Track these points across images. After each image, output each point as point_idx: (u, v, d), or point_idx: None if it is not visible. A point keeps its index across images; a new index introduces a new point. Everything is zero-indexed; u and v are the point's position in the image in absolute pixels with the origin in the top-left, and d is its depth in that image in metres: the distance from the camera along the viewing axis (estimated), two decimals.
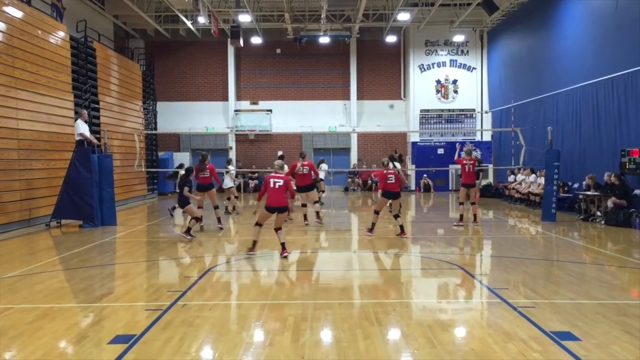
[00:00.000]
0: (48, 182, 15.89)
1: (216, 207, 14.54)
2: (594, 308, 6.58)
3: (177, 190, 12.99)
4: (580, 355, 5.00)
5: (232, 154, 29.27)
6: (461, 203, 14.80)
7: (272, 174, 10.31)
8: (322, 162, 21.76)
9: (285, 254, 10.10)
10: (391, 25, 26.57)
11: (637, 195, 14.42)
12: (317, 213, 14.92)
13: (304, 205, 14.96)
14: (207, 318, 6.32)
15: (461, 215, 14.63)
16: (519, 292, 7.43)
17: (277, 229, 10.30)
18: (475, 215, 14.96)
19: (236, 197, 18.46)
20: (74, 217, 15.02)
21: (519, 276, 8.48)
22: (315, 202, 14.83)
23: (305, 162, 14.50)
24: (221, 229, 14.17)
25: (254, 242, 10.45)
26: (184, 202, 12.53)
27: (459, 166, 15.37)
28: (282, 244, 10.21)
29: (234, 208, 18.01)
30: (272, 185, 10.10)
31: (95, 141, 15.67)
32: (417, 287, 8.38)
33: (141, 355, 5.13)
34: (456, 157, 15.95)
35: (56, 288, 7.98)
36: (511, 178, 22.32)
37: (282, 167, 10.66)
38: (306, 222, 14.65)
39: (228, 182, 18.10)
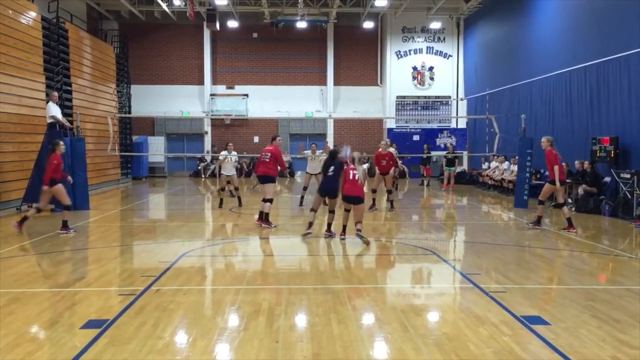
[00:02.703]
0: (19, 165, 15.61)
1: (66, 208, 11.27)
2: (563, 293, 6.71)
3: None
4: (549, 339, 5.11)
5: (208, 139, 29.07)
6: (542, 202, 12.18)
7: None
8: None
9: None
10: (368, 10, 26.53)
11: (607, 182, 14.69)
12: (262, 214, 11.93)
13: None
14: (181, 303, 6.30)
15: (539, 217, 12.03)
16: (490, 278, 7.55)
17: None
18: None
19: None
20: None
21: (491, 262, 8.60)
22: (267, 200, 11.81)
23: (269, 147, 12.02)
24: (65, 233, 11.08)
25: None
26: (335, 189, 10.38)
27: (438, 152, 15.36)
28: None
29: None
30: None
31: (67, 124, 15.42)
32: (391, 272, 8.45)
33: (114, 339, 5.10)
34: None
35: (28, 272, 7.88)
36: (485, 165, 22.55)
37: None
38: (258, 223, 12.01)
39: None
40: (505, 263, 8.55)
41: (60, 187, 11.13)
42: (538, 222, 11.95)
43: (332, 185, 10.39)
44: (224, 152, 15.61)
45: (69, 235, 10.91)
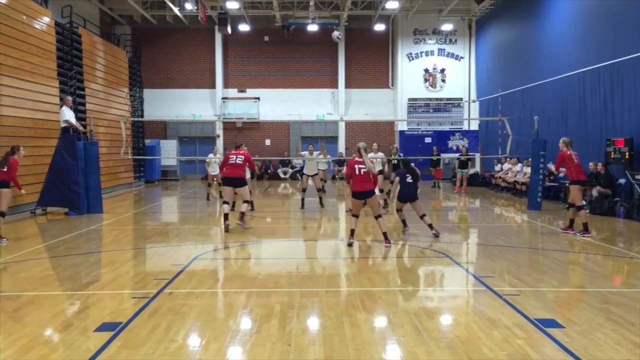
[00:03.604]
0: (33, 169, 15.73)
1: (2, 215, 10.95)
2: (577, 296, 6.66)
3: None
4: (564, 342, 5.07)
5: (220, 142, 29.15)
6: (581, 207, 11.21)
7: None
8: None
9: (388, 245, 9.99)
10: (380, 13, 26.51)
11: (621, 184, 14.56)
12: (242, 214, 12.01)
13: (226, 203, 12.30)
14: (194, 306, 6.32)
15: (571, 220, 11.45)
16: (504, 280, 7.50)
17: (376, 217, 10.24)
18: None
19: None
20: (60, 204, 14.91)
21: (504, 264, 8.55)
22: (245, 201, 12.03)
23: (241, 152, 12.26)
24: None
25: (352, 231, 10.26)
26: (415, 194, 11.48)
27: (450, 155, 15.23)
28: (384, 234, 10.12)
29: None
30: (357, 172, 10.05)
31: (80, 128, 15.54)
32: (404, 274, 8.42)
33: (127, 342, 5.12)
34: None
35: (42, 275, 7.94)
36: (498, 167, 22.43)
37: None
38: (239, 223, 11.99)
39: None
40: (519, 265, 8.49)
41: (7, 192, 11.00)
42: (585, 229, 11.06)
43: (412, 190, 11.47)
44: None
45: (3, 243, 10.46)
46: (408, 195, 11.44)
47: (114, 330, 5.43)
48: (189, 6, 24.36)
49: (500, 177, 21.19)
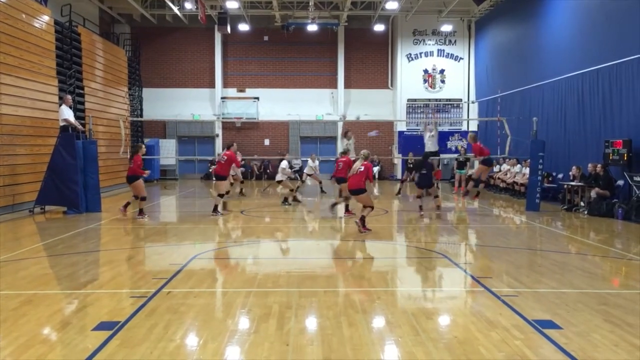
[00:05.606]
0: (32, 167, 15.74)
1: (143, 199, 14.35)
2: (575, 297, 6.66)
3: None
4: (561, 343, 5.07)
5: (219, 142, 29.14)
6: (476, 180, 16.55)
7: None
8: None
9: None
10: (379, 13, 26.55)
11: (619, 185, 14.58)
12: (216, 206, 14.53)
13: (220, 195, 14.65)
14: (192, 305, 6.32)
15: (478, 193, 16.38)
16: (502, 281, 7.50)
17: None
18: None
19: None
20: (58, 203, 14.90)
21: (503, 265, 8.56)
22: (220, 194, 14.58)
23: (227, 152, 14.70)
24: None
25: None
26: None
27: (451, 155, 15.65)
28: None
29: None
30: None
31: (79, 127, 15.53)
32: (402, 275, 8.43)
33: (125, 341, 5.12)
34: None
35: (40, 274, 7.94)
36: (496, 168, 22.44)
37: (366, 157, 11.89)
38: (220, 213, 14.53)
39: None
40: (517, 266, 8.50)
41: (141, 182, 14.23)
42: (476, 195, 16.17)
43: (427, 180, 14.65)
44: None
45: (144, 220, 13.60)
46: (421, 183, 14.77)
47: (112, 329, 5.42)
48: (188, 5, 24.41)
49: (499, 178, 21.21)
